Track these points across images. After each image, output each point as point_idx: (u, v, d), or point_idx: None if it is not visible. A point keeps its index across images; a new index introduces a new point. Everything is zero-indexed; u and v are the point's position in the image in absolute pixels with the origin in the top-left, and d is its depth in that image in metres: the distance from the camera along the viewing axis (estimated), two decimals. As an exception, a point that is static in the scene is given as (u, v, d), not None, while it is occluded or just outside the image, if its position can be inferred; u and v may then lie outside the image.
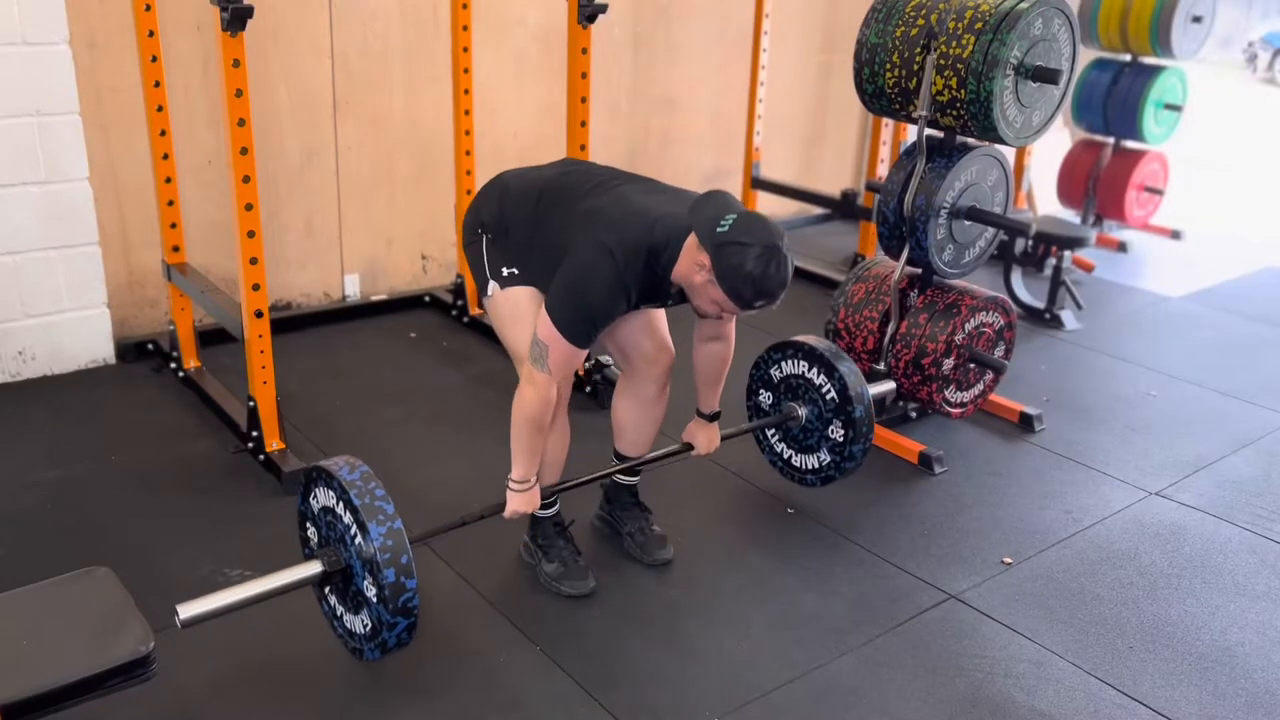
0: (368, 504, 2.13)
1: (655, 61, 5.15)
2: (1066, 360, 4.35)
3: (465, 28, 3.88)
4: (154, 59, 3.35)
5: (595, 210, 2.34)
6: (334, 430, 3.42)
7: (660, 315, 2.65)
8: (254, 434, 3.16)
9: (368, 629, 2.23)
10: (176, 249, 3.61)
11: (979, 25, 3.06)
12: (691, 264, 2.24)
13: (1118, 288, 5.27)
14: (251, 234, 2.93)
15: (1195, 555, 2.98)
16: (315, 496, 2.28)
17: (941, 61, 3.13)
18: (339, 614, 2.34)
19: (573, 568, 2.67)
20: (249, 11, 2.67)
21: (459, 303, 4.34)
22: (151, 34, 3.32)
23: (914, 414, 3.66)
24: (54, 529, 2.84)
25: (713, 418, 2.76)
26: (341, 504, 2.18)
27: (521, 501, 2.48)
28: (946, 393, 3.44)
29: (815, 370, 2.98)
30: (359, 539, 2.15)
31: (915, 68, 3.21)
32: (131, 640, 1.71)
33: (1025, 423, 3.68)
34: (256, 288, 2.99)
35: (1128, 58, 5.64)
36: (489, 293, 2.51)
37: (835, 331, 3.60)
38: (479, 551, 2.82)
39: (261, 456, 3.16)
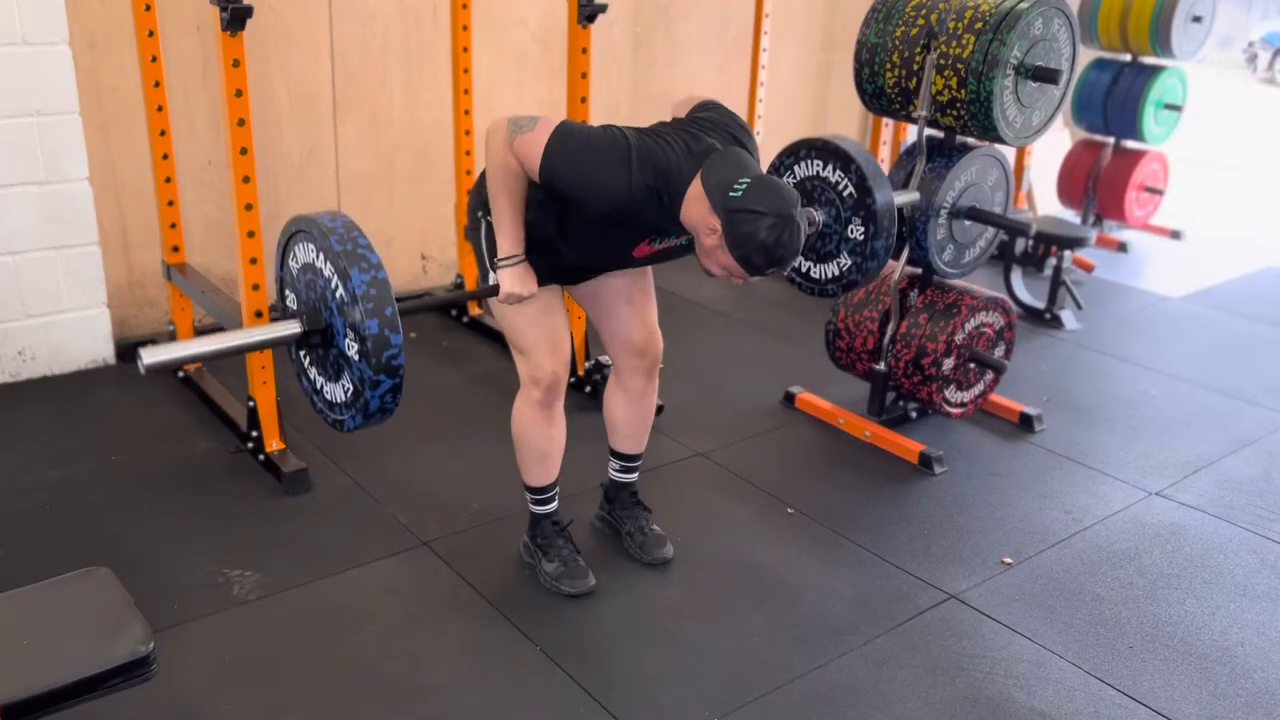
0: (350, 250, 1.95)
1: (655, 61, 5.15)
2: (1066, 360, 4.35)
3: (465, 28, 3.88)
4: (154, 59, 3.35)
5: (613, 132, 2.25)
6: (333, 430, 3.41)
7: (651, 304, 2.63)
8: (254, 434, 3.16)
9: (349, 393, 2.07)
10: (176, 249, 3.61)
11: (979, 25, 3.06)
12: (703, 224, 2.17)
13: (1118, 288, 5.27)
14: (251, 234, 2.93)
15: (1195, 555, 2.98)
16: (294, 255, 2.11)
17: (941, 61, 3.13)
18: (319, 386, 2.19)
19: (573, 567, 2.67)
20: (249, 11, 2.67)
21: (453, 313, 4.34)
22: (151, 34, 3.32)
23: (914, 414, 3.66)
24: (54, 529, 2.84)
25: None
26: (322, 254, 2.00)
27: (513, 279, 2.33)
28: (946, 393, 3.44)
29: (830, 167, 2.83)
30: (340, 290, 1.97)
31: (915, 68, 3.21)
32: (131, 640, 1.70)
33: (1025, 423, 3.68)
34: (256, 288, 2.99)
35: (1128, 58, 5.64)
36: (491, 279, 2.49)
37: (835, 331, 3.60)
38: (479, 551, 2.82)
39: (261, 456, 3.16)
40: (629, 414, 2.73)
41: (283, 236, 2.15)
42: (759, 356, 4.21)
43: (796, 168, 3.00)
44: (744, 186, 2.11)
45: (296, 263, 2.13)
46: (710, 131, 2.31)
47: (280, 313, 2.23)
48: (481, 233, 2.48)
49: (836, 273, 2.93)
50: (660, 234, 2.38)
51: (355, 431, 2.16)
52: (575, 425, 2.70)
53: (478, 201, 2.49)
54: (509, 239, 2.33)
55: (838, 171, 2.85)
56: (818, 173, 2.90)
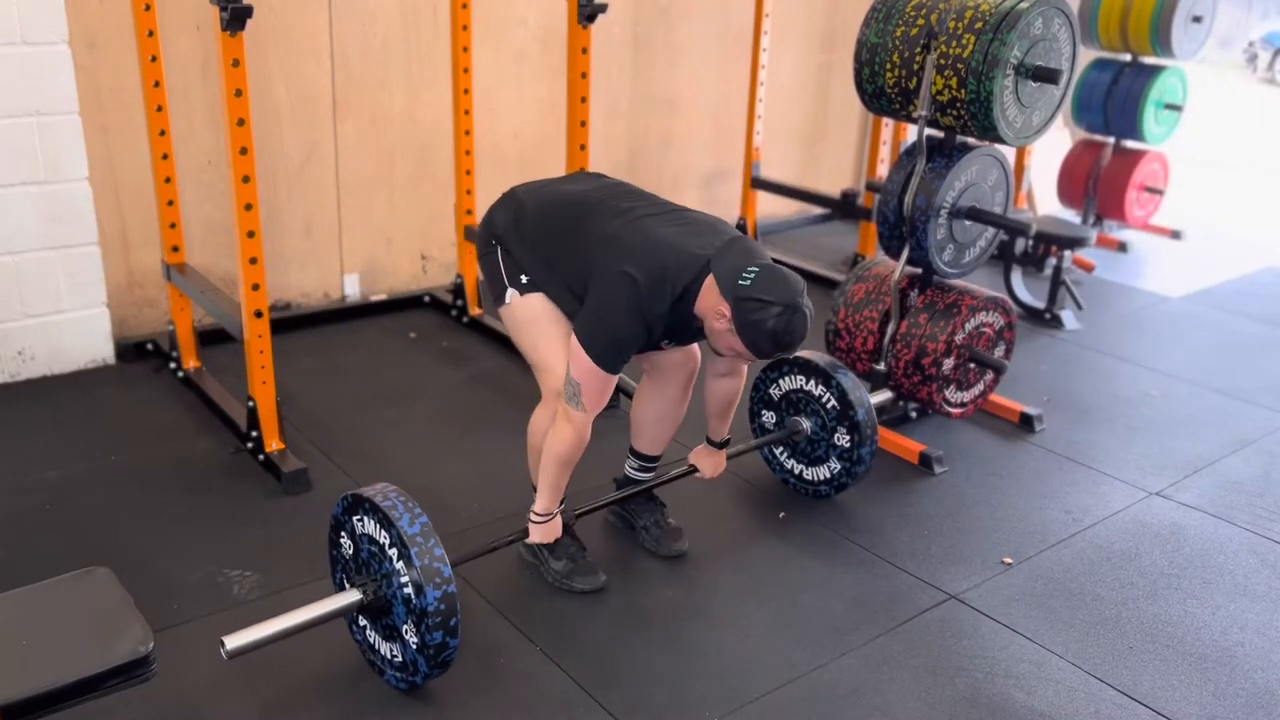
0: (427, 565, 2.13)
1: (655, 61, 5.15)
2: (1066, 360, 4.35)
3: (465, 28, 3.88)
4: (153, 59, 3.35)
5: (616, 238, 2.36)
6: (334, 430, 3.42)
7: None
8: (254, 434, 3.16)
9: (397, 660, 2.26)
10: (176, 249, 3.61)
11: (979, 25, 3.06)
12: (712, 310, 2.28)
13: (1118, 288, 5.27)
14: (251, 234, 2.93)
15: (1195, 555, 2.98)
16: (361, 522, 2.25)
17: (941, 61, 3.13)
18: (363, 625, 2.35)
19: (581, 564, 2.68)
20: (249, 11, 2.67)
21: (459, 303, 4.34)
22: (151, 34, 3.32)
23: (914, 414, 3.65)
24: (54, 529, 2.84)
25: (721, 445, 2.83)
26: (395, 551, 2.17)
27: (543, 533, 2.56)
28: (947, 393, 3.44)
29: (813, 382, 3.04)
30: (409, 591, 2.15)
31: (915, 68, 3.21)
32: (131, 640, 1.70)
33: (1025, 423, 3.68)
34: (256, 288, 2.99)
35: (1128, 58, 5.64)
36: (507, 300, 2.53)
37: (835, 331, 3.60)
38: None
39: (261, 456, 3.16)
40: (658, 417, 2.78)
41: (349, 501, 2.28)
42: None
43: (781, 381, 3.12)
44: (753, 275, 2.22)
45: (361, 527, 2.26)
46: (705, 232, 2.41)
47: (331, 552, 2.39)
48: (498, 256, 2.55)
49: (827, 475, 3.10)
50: (681, 336, 2.51)
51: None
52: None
53: (489, 231, 2.58)
54: (548, 500, 2.53)
55: (819, 386, 3.03)
56: (800, 386, 3.08)
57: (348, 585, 2.32)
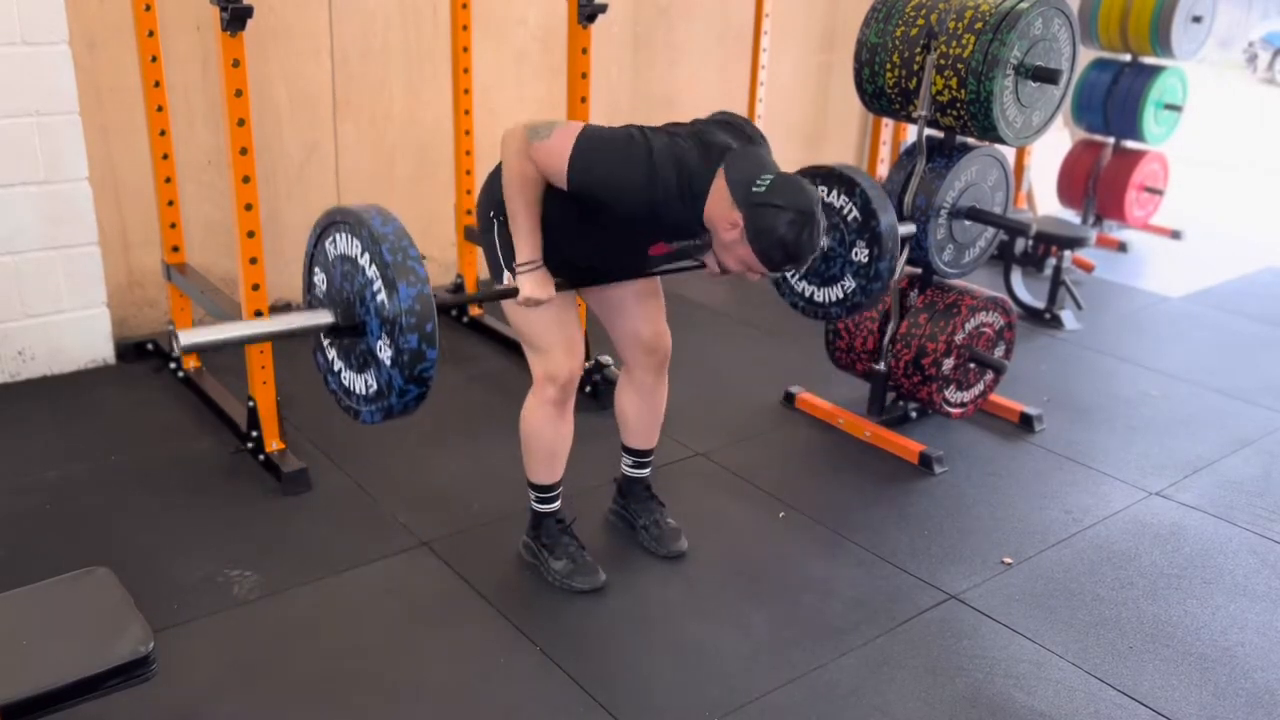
0: (399, 262, 1.96)
1: (655, 61, 5.15)
2: (1066, 360, 4.35)
3: (465, 28, 3.88)
4: (154, 59, 3.35)
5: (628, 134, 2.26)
6: (333, 430, 3.42)
7: (659, 302, 2.66)
8: (254, 434, 3.16)
9: (371, 390, 2.11)
10: (176, 249, 3.61)
11: (979, 25, 3.06)
12: (723, 219, 2.20)
13: (1118, 288, 5.27)
14: (251, 234, 2.93)
15: (1195, 555, 2.98)
16: (334, 241, 2.10)
17: (941, 61, 3.13)
18: (338, 369, 2.20)
19: (581, 563, 2.68)
20: (249, 11, 2.67)
21: (453, 311, 4.34)
22: (151, 34, 3.32)
23: (914, 414, 3.65)
24: (54, 529, 2.84)
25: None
26: (367, 256, 2.00)
27: (533, 283, 2.35)
28: (946, 393, 3.44)
29: (835, 192, 2.87)
30: (382, 296, 1.98)
31: (915, 68, 3.21)
32: (131, 640, 1.70)
33: (1025, 423, 3.68)
34: (256, 288, 2.99)
35: (1128, 58, 5.64)
36: (504, 281, 2.50)
37: (835, 331, 3.60)
38: (479, 552, 2.82)
39: (261, 456, 3.16)
40: (640, 410, 2.76)
41: (323, 221, 2.14)
42: (759, 356, 4.21)
43: None
44: (766, 182, 2.15)
45: (334, 249, 2.12)
46: (724, 130, 2.32)
47: (307, 289, 2.23)
48: (495, 234, 2.49)
49: (840, 295, 2.94)
50: (678, 234, 2.40)
51: (369, 424, 2.18)
52: (575, 425, 2.69)
53: (488, 203, 2.51)
54: (527, 245, 2.34)
55: (842, 196, 2.87)
56: (823, 198, 2.89)
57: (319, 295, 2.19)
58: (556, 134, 2.22)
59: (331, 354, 2.20)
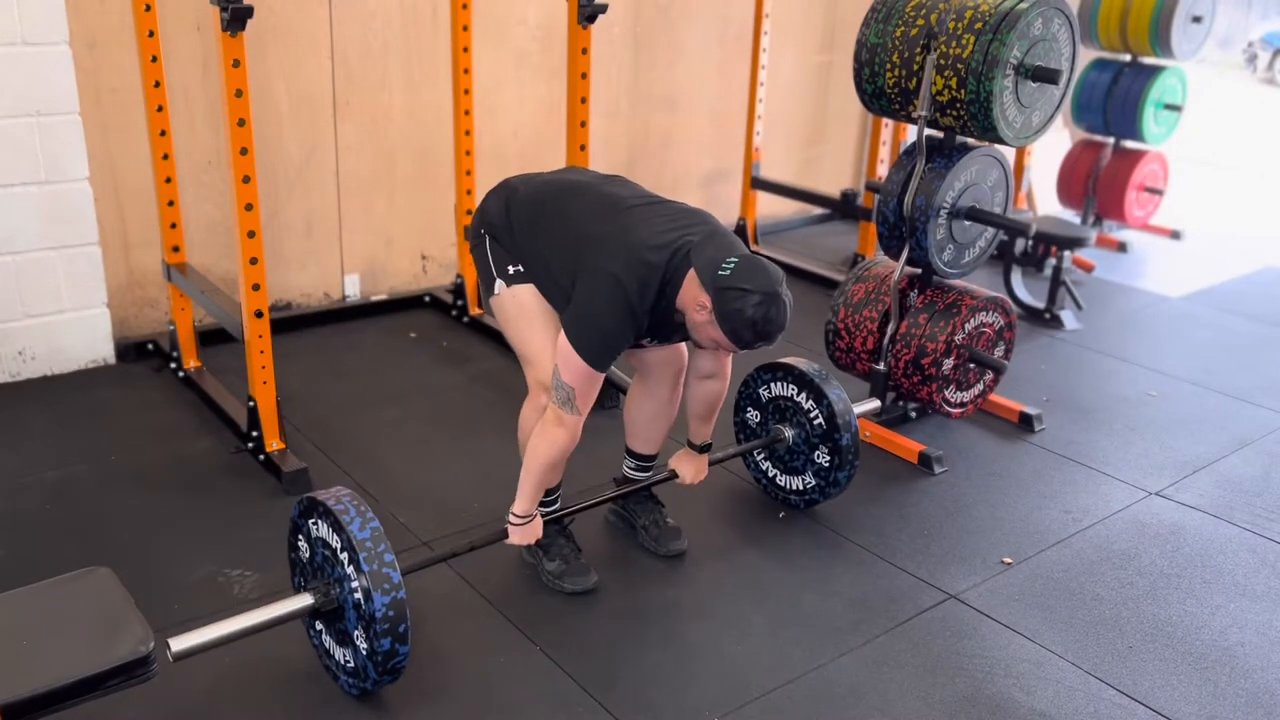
0: (375, 570, 2.11)
1: (655, 61, 5.15)
2: (1066, 360, 4.35)
3: (465, 28, 3.88)
4: (154, 59, 3.35)
5: (603, 234, 2.35)
6: (334, 430, 3.42)
7: None
8: (254, 434, 3.16)
9: (349, 665, 2.25)
10: (176, 249, 3.61)
11: (979, 25, 3.06)
12: (693, 302, 2.28)
13: (1118, 288, 5.27)
14: (251, 234, 2.93)
15: (1195, 555, 2.98)
16: (316, 525, 2.24)
17: (941, 61, 3.13)
18: (319, 627, 2.35)
19: (574, 564, 2.68)
20: (249, 11, 2.67)
21: (459, 303, 4.34)
22: (151, 34, 3.32)
23: (914, 414, 3.66)
24: (54, 529, 2.84)
25: (703, 449, 2.81)
26: (346, 555, 2.15)
27: (523, 535, 2.53)
28: (946, 393, 3.44)
29: (804, 395, 2.99)
30: (359, 597, 2.13)
31: (915, 68, 3.21)
32: (131, 640, 1.71)
33: (1025, 423, 3.68)
34: (256, 288, 2.99)
35: (1128, 58, 5.64)
36: (495, 291, 2.52)
37: (835, 331, 3.60)
38: (479, 552, 2.81)
39: (261, 456, 3.16)
40: (652, 418, 2.78)
41: (305, 504, 2.27)
42: (759, 356, 4.19)
43: (773, 385, 3.08)
44: (732, 265, 2.22)
45: (316, 530, 2.26)
46: (695, 227, 2.40)
47: (290, 555, 2.38)
48: (486, 247, 2.54)
49: (801, 487, 3.07)
50: (668, 336, 2.51)
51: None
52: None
53: (481, 220, 2.57)
54: (528, 500, 2.50)
55: (809, 400, 2.98)
56: (791, 395, 3.03)
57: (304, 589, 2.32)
58: (569, 378, 2.33)
59: (318, 624, 2.34)
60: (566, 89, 3.47)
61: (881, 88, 3.34)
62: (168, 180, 3.50)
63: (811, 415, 2.98)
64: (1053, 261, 4.71)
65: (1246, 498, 3.29)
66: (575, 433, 2.40)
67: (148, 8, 3.29)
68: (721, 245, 2.29)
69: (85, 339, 3.72)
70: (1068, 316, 4.67)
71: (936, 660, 2.50)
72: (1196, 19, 5.35)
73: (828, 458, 2.97)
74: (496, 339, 4.13)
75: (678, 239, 2.32)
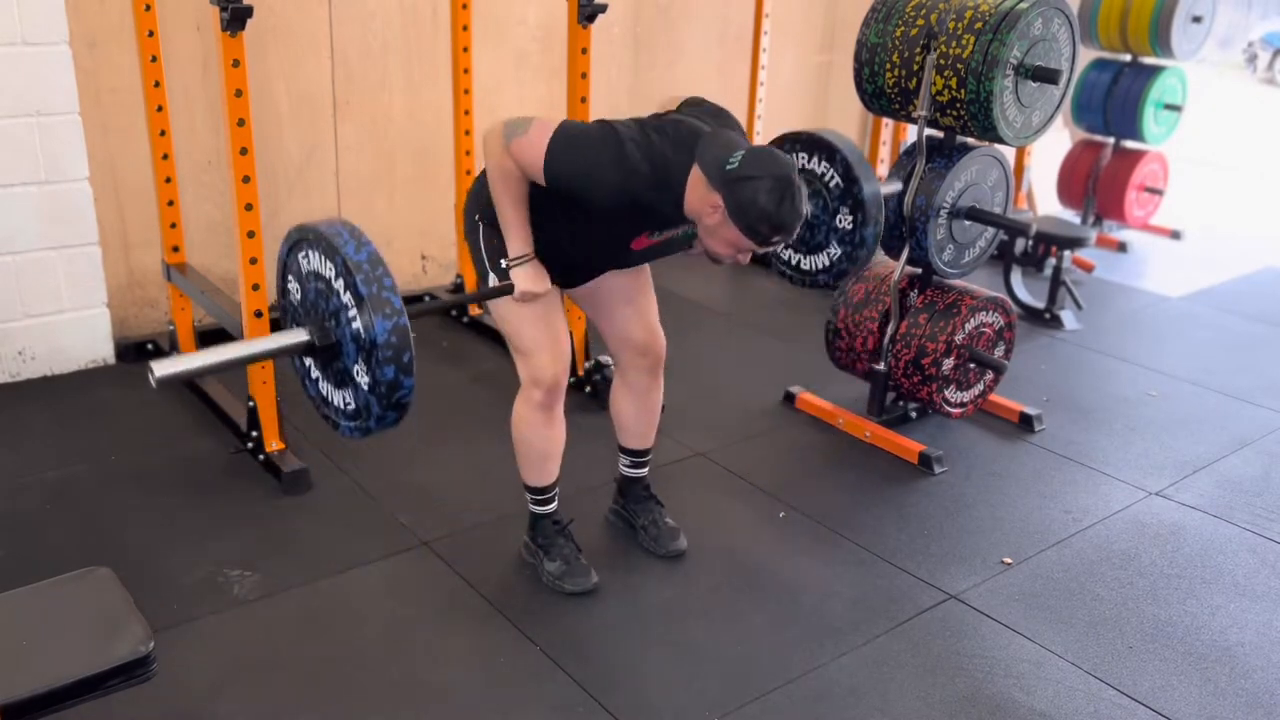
0: (375, 294, 1.92)
1: (655, 61, 5.15)
2: (1066, 360, 4.35)
3: (465, 28, 3.89)
4: (154, 59, 3.35)
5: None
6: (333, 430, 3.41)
7: (651, 302, 2.66)
8: (254, 434, 3.16)
9: (349, 408, 2.09)
10: (176, 249, 3.61)
11: (979, 25, 3.06)
12: (703, 205, 2.19)
13: (1118, 288, 5.27)
14: (251, 234, 2.93)
15: (1195, 555, 2.98)
16: (306, 257, 2.06)
17: (941, 61, 3.13)
18: (314, 376, 2.18)
19: (575, 565, 2.68)
20: (249, 11, 2.67)
21: (459, 308, 4.34)
22: (151, 34, 3.32)
23: (914, 414, 3.65)
24: (54, 529, 2.84)
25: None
26: (342, 282, 1.97)
27: (527, 278, 2.37)
28: (946, 393, 3.44)
29: (815, 158, 2.85)
30: (358, 324, 1.95)
31: (915, 68, 3.21)
32: (131, 640, 1.70)
33: (1025, 423, 3.68)
34: (256, 288, 2.99)
35: (1128, 58, 5.64)
36: (490, 282, 2.50)
37: (835, 331, 3.60)
38: (479, 552, 2.82)
39: (261, 456, 3.16)
40: (635, 411, 2.76)
41: (293, 236, 2.11)
42: (759, 356, 4.21)
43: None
44: (739, 158, 2.15)
45: (307, 264, 2.09)
46: (699, 119, 2.34)
47: (281, 301, 2.21)
48: (480, 235, 2.50)
49: (826, 263, 2.94)
50: (660, 226, 2.40)
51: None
52: (575, 425, 2.70)
53: (475, 205, 2.52)
54: (517, 239, 2.36)
55: (823, 163, 2.86)
56: (803, 165, 2.93)
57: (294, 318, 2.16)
58: (533, 130, 2.24)
59: (309, 362, 2.19)
60: (566, 89, 3.47)
61: (881, 88, 3.34)
62: (168, 180, 3.50)
63: (827, 177, 2.85)
64: (1053, 261, 4.71)
65: (1246, 498, 3.29)
66: (503, 162, 2.27)
67: (148, 8, 3.29)
68: (726, 142, 2.21)
69: (85, 339, 3.72)
70: (1068, 316, 4.67)
71: (936, 660, 2.50)
72: (1196, 19, 5.35)
73: (850, 217, 2.82)
74: (496, 339, 4.13)
75: (684, 129, 2.25)
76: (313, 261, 2.05)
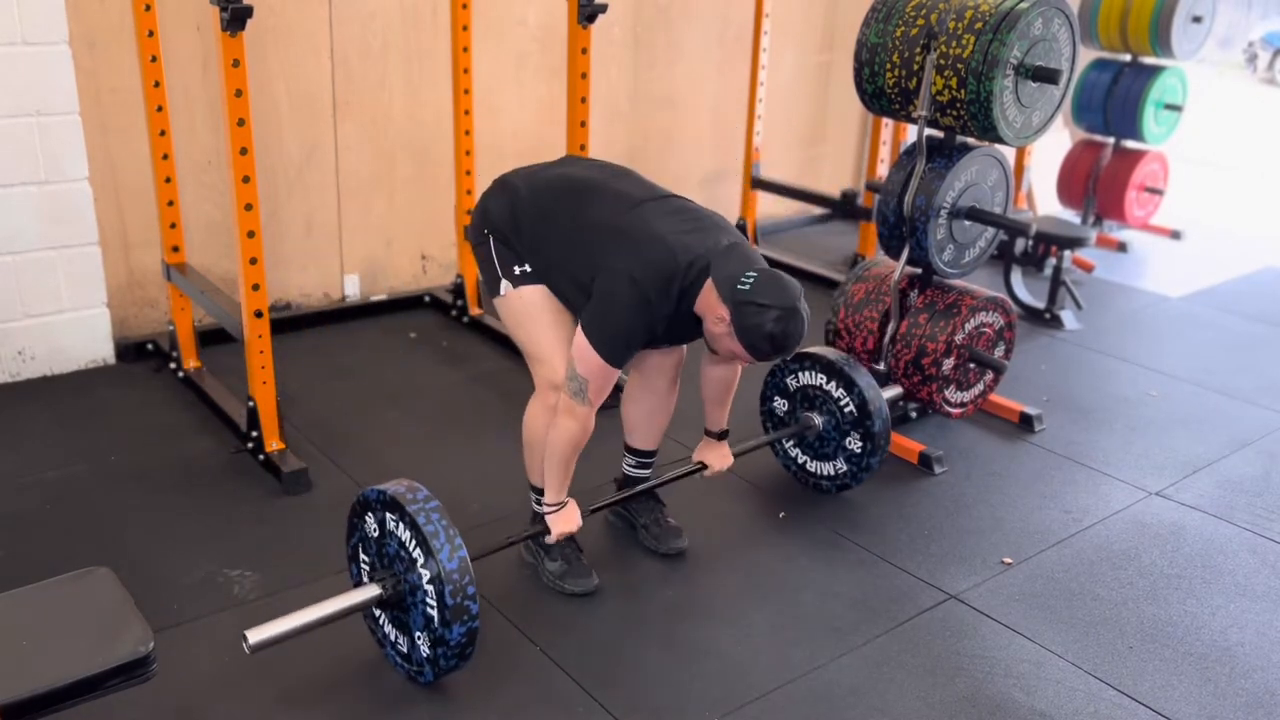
0: (458, 604, 2.15)
1: (655, 61, 5.15)
2: (1066, 360, 4.35)
3: (465, 28, 3.88)
4: (154, 59, 3.35)
5: (619, 232, 2.36)
6: (334, 430, 3.42)
7: None
8: (254, 434, 3.16)
9: (401, 650, 2.32)
10: (176, 249, 3.61)
11: (979, 25, 3.06)
12: (712, 313, 2.31)
13: (1118, 288, 5.27)
14: (251, 234, 2.93)
15: (1195, 555, 2.98)
16: (397, 525, 2.23)
17: (941, 61, 3.13)
18: (380, 618, 2.38)
19: (575, 565, 2.68)
20: (249, 11, 2.67)
21: (459, 303, 4.34)
22: (151, 34, 3.32)
23: (914, 414, 3.65)
24: (54, 529, 2.84)
25: (722, 436, 2.83)
26: (428, 575, 2.17)
27: (564, 522, 2.54)
28: (946, 393, 3.44)
29: (833, 383, 3.04)
30: (433, 613, 2.18)
31: (915, 68, 3.21)
32: (131, 640, 1.70)
33: (1025, 423, 3.68)
34: (256, 288, 2.99)
35: (1128, 58, 5.64)
36: (501, 292, 2.52)
37: (835, 331, 3.60)
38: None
39: (261, 456, 3.16)
40: (649, 413, 2.78)
41: (386, 500, 2.24)
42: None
43: (801, 375, 3.13)
44: (751, 280, 2.25)
45: (393, 526, 2.25)
46: (712, 232, 2.41)
47: (354, 526, 2.37)
48: (491, 249, 2.54)
49: (832, 473, 3.13)
50: (681, 337, 2.53)
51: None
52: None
53: (484, 220, 2.56)
54: (555, 490, 2.52)
55: (840, 389, 3.04)
56: (820, 384, 3.09)
57: (364, 566, 2.36)
58: (585, 371, 2.35)
59: (382, 618, 2.39)
60: (566, 89, 3.47)
61: (881, 88, 3.34)
62: (167, 180, 3.50)
63: (842, 403, 3.03)
64: (1053, 261, 4.71)
65: (1247, 498, 3.29)
66: (587, 425, 2.42)
67: (148, 8, 3.29)
68: (741, 258, 2.31)
69: (85, 339, 3.72)
70: (1068, 316, 4.67)
71: (936, 660, 2.50)
72: (1196, 19, 5.35)
73: (859, 443, 3.02)
74: (496, 339, 4.13)
75: (696, 246, 2.33)
76: (400, 531, 2.23)
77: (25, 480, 3.05)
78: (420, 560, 2.18)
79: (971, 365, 3.45)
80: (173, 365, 3.73)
